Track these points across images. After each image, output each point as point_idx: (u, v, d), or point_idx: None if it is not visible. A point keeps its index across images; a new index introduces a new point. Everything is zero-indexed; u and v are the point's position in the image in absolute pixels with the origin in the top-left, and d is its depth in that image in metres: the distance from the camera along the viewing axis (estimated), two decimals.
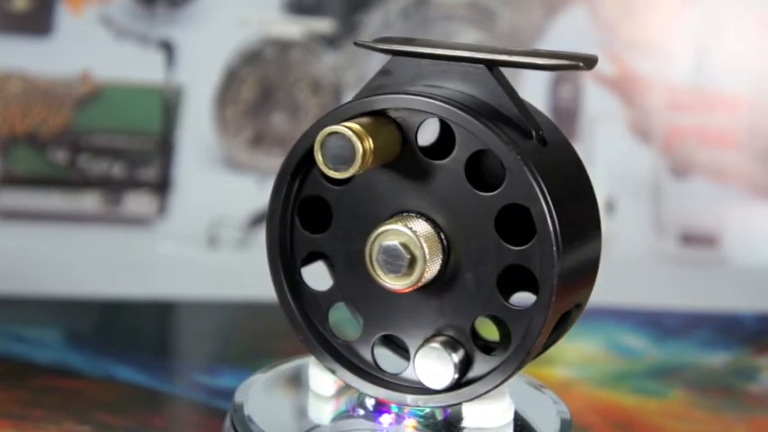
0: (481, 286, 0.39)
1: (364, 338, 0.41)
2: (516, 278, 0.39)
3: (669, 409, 0.54)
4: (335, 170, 0.37)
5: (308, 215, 0.41)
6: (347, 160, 0.37)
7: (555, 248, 0.37)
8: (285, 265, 0.41)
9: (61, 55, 0.75)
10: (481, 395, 0.39)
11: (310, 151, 0.39)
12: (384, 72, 0.40)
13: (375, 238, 0.38)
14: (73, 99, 0.75)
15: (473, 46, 0.39)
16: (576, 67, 0.39)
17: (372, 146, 0.37)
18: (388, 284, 0.39)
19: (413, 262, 0.38)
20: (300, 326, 0.41)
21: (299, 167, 0.40)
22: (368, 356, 0.41)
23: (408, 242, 0.38)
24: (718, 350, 0.61)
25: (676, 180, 0.77)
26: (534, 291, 0.38)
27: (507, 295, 0.39)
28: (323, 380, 0.43)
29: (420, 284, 0.38)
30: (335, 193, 0.40)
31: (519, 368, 0.39)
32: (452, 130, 0.39)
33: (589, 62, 0.39)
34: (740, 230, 0.76)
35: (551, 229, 0.37)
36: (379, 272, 0.38)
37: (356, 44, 0.42)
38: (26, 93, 0.74)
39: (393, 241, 0.38)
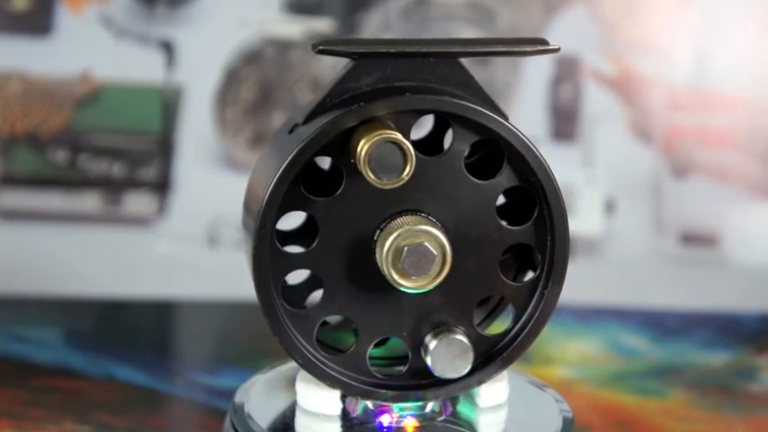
0: (483, 270, 0.40)
1: (359, 348, 0.40)
2: None
3: (669, 408, 0.54)
4: (388, 179, 0.37)
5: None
6: (400, 167, 0.36)
7: (566, 220, 0.39)
8: (270, 290, 0.40)
9: (61, 55, 0.75)
10: (503, 370, 0.40)
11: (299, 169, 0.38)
12: (349, 76, 0.39)
13: (393, 242, 0.37)
14: (73, 99, 0.75)
15: (439, 40, 0.39)
16: (555, 50, 0.39)
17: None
18: (407, 287, 0.38)
19: (441, 259, 0.37)
20: (298, 349, 0.40)
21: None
22: (367, 364, 0.40)
23: (433, 240, 0.37)
24: (718, 350, 0.61)
25: (676, 180, 0.77)
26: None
27: None
28: (326, 398, 0.41)
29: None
30: (321, 206, 0.39)
31: (534, 339, 0.40)
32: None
33: (546, 43, 0.40)
34: (740, 230, 0.76)
35: (562, 202, 0.39)
36: (401, 276, 0.37)
37: (320, 51, 0.39)
38: (26, 93, 0.74)
39: (418, 242, 0.37)
